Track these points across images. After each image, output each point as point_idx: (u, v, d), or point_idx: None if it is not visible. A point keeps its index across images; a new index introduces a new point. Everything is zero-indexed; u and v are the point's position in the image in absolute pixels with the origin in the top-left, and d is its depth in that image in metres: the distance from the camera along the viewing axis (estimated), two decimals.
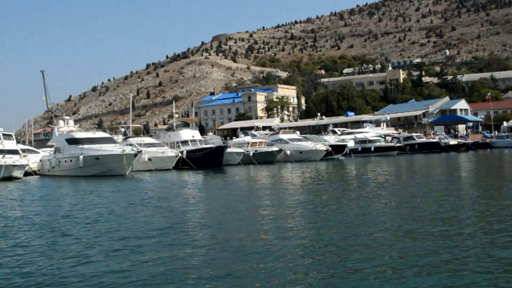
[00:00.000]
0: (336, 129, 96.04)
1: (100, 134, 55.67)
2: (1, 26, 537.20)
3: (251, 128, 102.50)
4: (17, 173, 49.35)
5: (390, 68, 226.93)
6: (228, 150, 58.48)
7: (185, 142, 59.89)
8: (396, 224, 14.72)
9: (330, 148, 64.31)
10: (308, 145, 66.00)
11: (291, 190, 26.68)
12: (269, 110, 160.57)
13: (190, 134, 61.87)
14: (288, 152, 62.71)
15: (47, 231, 15.96)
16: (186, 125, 70.58)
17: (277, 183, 32.09)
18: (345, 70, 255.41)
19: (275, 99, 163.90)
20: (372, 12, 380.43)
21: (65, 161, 50.74)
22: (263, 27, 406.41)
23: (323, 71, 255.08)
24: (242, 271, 10.30)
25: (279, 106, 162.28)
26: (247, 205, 20.63)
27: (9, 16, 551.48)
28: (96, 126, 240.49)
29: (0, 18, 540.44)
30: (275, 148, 62.47)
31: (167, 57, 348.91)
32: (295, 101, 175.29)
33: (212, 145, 57.96)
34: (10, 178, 48.05)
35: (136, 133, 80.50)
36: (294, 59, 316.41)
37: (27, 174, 52.47)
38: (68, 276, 10.44)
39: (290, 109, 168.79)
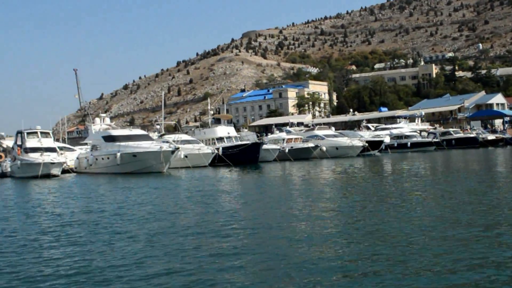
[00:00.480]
0: (369, 125, 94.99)
1: (136, 131, 55.89)
2: (36, 24, 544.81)
3: (285, 124, 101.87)
4: (55, 171, 49.89)
5: (422, 63, 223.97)
6: (264, 146, 58.20)
7: (220, 139, 59.71)
8: (448, 231, 13.70)
9: (367, 144, 63.53)
10: (344, 141, 65.34)
11: (333, 187, 26.22)
12: (301, 107, 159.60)
13: (225, 130, 61.63)
14: (324, 148, 62.09)
15: (104, 229, 15.82)
16: (217, 121, 70.34)
17: (317, 180, 31.53)
18: (376, 66, 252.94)
19: (306, 95, 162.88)
20: (403, 6, 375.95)
21: (102, 158, 51.08)
22: (293, 23, 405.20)
23: (354, 67, 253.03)
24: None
25: (311, 103, 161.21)
26: (293, 204, 20.22)
27: (43, 14, 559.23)
28: (128, 124, 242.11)
29: (34, 16, 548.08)
30: (311, 144, 62.00)
31: (197, 54, 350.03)
32: (327, 97, 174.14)
33: (248, 142, 57.64)
34: (48, 176, 48.59)
35: (168, 130, 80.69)
36: (324, 55, 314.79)
37: (64, 171, 53.01)
38: (134, 275, 10.28)
39: (322, 105, 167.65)
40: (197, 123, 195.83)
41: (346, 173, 36.23)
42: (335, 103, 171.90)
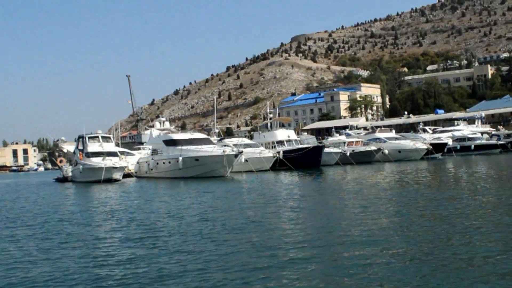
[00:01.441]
0: (426, 128, 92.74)
1: (197, 135, 55.27)
2: (89, 32, 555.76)
3: (339, 128, 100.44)
4: (117, 175, 49.89)
5: (476, 64, 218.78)
6: (326, 150, 57.09)
7: (280, 142, 58.88)
8: None
9: (431, 147, 61.78)
10: (407, 143, 63.69)
11: (404, 193, 24.77)
12: (353, 110, 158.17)
13: (285, 134, 60.75)
14: (386, 151, 60.69)
15: (194, 236, 15.13)
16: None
17: (385, 185, 29.85)
18: (429, 67, 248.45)
19: (358, 98, 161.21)
20: (454, 7, 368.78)
21: (163, 162, 50.84)
22: (342, 26, 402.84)
23: (405, 69, 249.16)
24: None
25: (363, 105, 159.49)
26: (361, 211, 19.15)
27: (96, 23, 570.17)
28: (180, 129, 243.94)
29: (88, 25, 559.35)
30: (373, 147, 60.67)
31: (246, 59, 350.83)
32: (379, 100, 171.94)
33: (309, 145, 56.72)
34: (110, 180, 48.62)
35: (220, 135, 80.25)
36: (374, 58, 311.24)
37: (124, 176, 52.98)
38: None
39: (374, 108, 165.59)
40: (248, 128, 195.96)
41: (414, 178, 34.74)
42: (387, 106, 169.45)
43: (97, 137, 54.73)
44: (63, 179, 60.72)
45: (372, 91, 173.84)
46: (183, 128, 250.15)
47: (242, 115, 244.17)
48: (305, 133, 76.34)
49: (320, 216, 17.68)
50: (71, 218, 21.25)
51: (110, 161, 49.18)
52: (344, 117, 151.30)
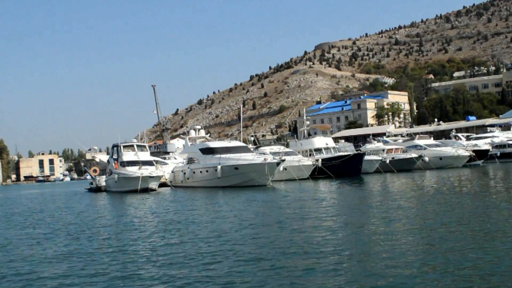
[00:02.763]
0: (459, 135, 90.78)
1: (235, 143, 53.69)
2: (116, 43, 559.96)
3: (366, 135, 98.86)
4: (153, 185, 48.95)
5: (504, 70, 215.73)
6: (365, 157, 55.71)
7: (318, 150, 57.55)
8: None
9: (473, 154, 60.04)
10: (449, 150, 61.95)
11: (453, 203, 23.40)
12: (380, 117, 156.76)
13: (323, 141, 59.37)
14: (427, 159, 59.09)
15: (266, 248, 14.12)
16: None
17: (434, 195, 27.58)
18: (456, 74, 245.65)
19: (386, 106, 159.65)
20: (480, 12, 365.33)
21: (200, 171, 49.65)
22: (366, 34, 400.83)
23: (431, 76, 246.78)
24: None
25: (390, 113, 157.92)
26: (417, 223, 18.01)
27: (121, 34, 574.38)
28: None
29: (114, 36, 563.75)
30: (414, 155, 59.09)
31: (270, 68, 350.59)
32: (407, 107, 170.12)
33: (349, 153, 55.26)
34: (146, 190, 47.70)
35: (256, 142, 79.05)
36: (399, 65, 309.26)
37: (159, 185, 51.95)
38: None
39: (401, 115, 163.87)
40: (274, 136, 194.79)
41: (464, 186, 33.31)
42: (415, 113, 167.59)
43: (132, 146, 54.01)
44: (96, 189, 59.97)
45: (399, 98, 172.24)
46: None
47: (267, 124, 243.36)
48: (342, 141, 74.87)
49: (376, 229, 16.53)
50: (128, 230, 20.42)
51: (146, 170, 48.27)
52: (372, 125, 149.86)
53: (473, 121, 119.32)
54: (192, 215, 24.37)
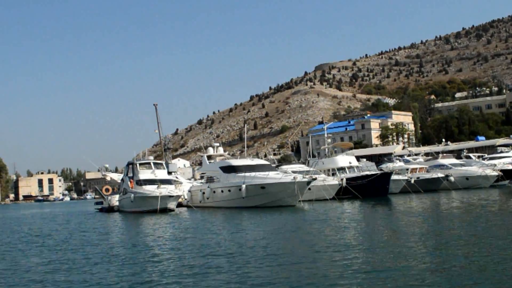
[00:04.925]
0: (471, 155, 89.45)
1: (258, 161, 51.72)
2: (114, 61, 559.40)
3: (371, 156, 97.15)
4: (172, 205, 46.98)
5: (507, 91, 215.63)
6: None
7: (342, 169, 55.86)
8: None
9: (501, 173, 58.47)
10: (476, 170, 60.33)
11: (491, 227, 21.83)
12: (385, 138, 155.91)
13: (347, 160, 57.65)
14: (452, 179, 57.45)
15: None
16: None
17: (468, 218, 26.32)
18: (457, 95, 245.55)
19: (390, 126, 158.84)
20: (480, 34, 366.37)
21: (222, 191, 47.55)
22: (366, 55, 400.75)
23: (433, 96, 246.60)
24: None
25: (394, 133, 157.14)
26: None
27: (121, 53, 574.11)
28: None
29: (113, 55, 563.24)
30: (440, 174, 57.49)
31: (270, 88, 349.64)
32: (411, 127, 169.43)
33: (376, 172, 53.52)
34: (165, 210, 45.69)
35: (275, 161, 77.14)
36: (400, 86, 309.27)
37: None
38: None
39: (405, 135, 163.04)
40: (277, 157, 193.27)
41: (501, 208, 31.70)
42: (419, 133, 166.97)
43: (149, 163, 51.83)
44: (108, 209, 57.81)
45: (403, 118, 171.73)
46: (209, 158, 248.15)
47: (268, 144, 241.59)
48: (364, 160, 73.26)
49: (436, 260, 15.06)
50: (166, 256, 18.90)
51: (165, 189, 46.22)
52: (376, 145, 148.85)
53: (482, 141, 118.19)
54: (232, 239, 22.70)
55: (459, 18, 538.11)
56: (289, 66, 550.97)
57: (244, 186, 43.53)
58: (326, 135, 68.51)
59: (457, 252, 14.97)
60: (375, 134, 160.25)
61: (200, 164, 64.61)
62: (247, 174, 45.15)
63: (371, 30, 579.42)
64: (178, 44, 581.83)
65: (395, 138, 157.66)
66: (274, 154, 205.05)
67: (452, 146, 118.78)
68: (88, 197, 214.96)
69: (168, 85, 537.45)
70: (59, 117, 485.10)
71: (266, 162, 52.05)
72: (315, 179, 42.83)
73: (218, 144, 62.42)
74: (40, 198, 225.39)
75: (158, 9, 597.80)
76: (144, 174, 50.06)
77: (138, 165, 51.25)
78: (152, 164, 51.67)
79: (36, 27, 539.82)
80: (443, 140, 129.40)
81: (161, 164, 54.14)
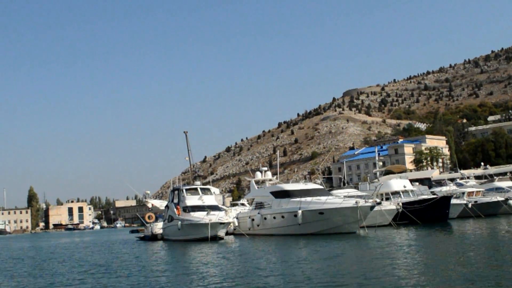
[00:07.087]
0: None
1: (312, 185, 49.52)
2: (145, 90, 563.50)
3: (414, 181, 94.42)
4: (222, 232, 44.94)
5: None
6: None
7: (396, 193, 53.75)
8: None
9: None
10: None
11: None
12: (419, 162, 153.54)
13: (401, 184, 55.47)
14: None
15: None
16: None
17: None
18: (490, 118, 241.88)
19: (424, 151, 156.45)
20: (509, 56, 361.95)
21: (274, 217, 45.30)
22: (394, 80, 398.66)
23: (465, 120, 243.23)
24: None
25: (429, 158, 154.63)
26: None
27: (153, 82, 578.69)
28: (235, 186, 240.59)
29: (145, 84, 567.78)
30: (500, 198, 55.11)
31: (298, 114, 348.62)
32: (445, 151, 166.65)
33: (435, 196, 51.31)
34: (215, 238, 43.71)
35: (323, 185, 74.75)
36: (430, 110, 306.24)
37: None
38: None
39: (440, 160, 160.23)
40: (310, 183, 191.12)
41: None
42: (454, 157, 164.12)
43: (196, 189, 49.86)
44: (151, 237, 56.02)
45: (437, 143, 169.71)
46: (238, 184, 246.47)
47: (299, 171, 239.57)
48: (417, 183, 71.03)
49: None
50: None
51: (215, 216, 44.29)
52: (410, 170, 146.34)
53: None
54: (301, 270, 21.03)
55: (488, 41, 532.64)
56: (317, 92, 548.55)
57: (300, 212, 41.32)
58: (377, 157, 66.38)
59: None
60: (409, 159, 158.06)
61: (230, 191, 63.00)
62: (303, 199, 43.21)
63: (398, 55, 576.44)
64: (202, 71, 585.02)
65: (429, 162, 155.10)
66: (305, 180, 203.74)
67: (493, 169, 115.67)
68: (118, 225, 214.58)
69: (196, 113, 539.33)
70: (86, 144, 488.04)
71: (320, 187, 49.44)
72: (379, 203, 40.47)
73: (266, 168, 60.29)
74: (70, 226, 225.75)
75: (191, 35, 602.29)
76: (192, 200, 48.20)
77: (184, 190, 49.41)
78: (199, 189, 49.75)
79: (68, 51, 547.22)
80: (482, 163, 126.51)
81: (209, 189, 52.00)
